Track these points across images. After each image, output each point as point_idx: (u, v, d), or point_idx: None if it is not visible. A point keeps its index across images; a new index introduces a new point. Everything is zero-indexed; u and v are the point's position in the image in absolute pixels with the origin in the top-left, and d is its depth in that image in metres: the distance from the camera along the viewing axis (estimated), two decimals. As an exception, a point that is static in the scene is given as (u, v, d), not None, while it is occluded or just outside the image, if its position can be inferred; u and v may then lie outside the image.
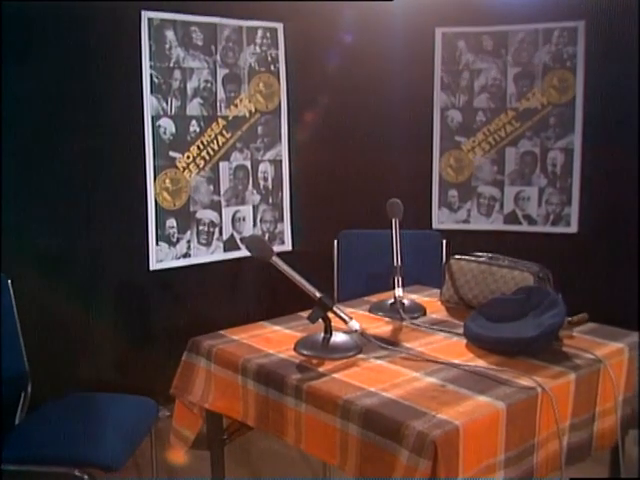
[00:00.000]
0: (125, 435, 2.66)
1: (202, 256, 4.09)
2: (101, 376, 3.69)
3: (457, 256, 2.75)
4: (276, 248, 4.25)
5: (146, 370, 3.72)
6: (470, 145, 4.46)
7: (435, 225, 4.50)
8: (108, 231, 3.73)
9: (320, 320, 2.22)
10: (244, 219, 4.22)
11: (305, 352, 2.21)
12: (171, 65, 3.85)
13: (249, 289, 4.27)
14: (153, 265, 3.91)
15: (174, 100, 3.88)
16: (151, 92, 3.80)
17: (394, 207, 2.73)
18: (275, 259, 2.21)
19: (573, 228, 4.32)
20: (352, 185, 4.42)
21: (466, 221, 4.50)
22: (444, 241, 3.54)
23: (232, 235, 4.18)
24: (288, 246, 4.38)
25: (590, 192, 4.28)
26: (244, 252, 4.10)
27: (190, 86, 3.93)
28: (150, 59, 3.78)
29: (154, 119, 3.83)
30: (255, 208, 4.27)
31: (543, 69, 4.29)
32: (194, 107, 3.97)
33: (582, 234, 4.30)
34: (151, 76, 3.78)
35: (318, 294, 2.20)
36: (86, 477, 2.45)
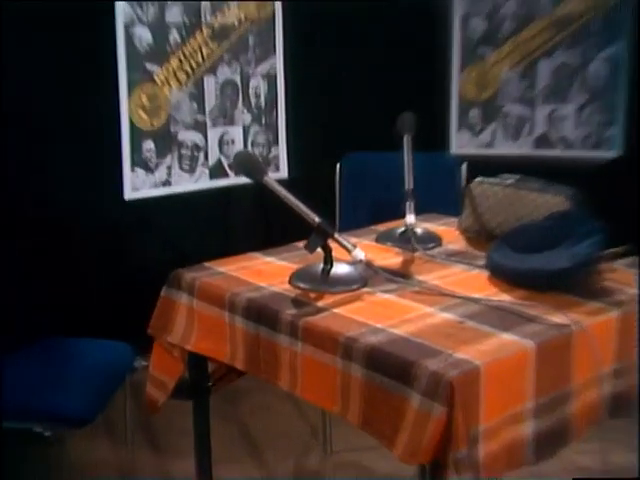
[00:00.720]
0: (96, 385, 2.67)
1: (185, 184, 4.06)
2: (73, 319, 3.68)
3: (479, 179, 2.72)
4: (270, 175, 4.20)
5: (122, 313, 3.72)
6: (495, 57, 4.41)
7: (454, 150, 4.46)
8: (75, 156, 3.71)
9: (319, 249, 2.19)
10: (233, 142, 4.19)
11: (302, 285, 2.20)
12: (147, -36, 3.80)
13: (240, 222, 4.28)
14: (128, 194, 3.88)
15: (150, 5, 3.83)
16: (123, -4, 3.75)
17: (406, 121, 2.70)
18: (268, 179, 2.21)
19: (617, 152, 4.29)
20: (357, 103, 4.39)
21: (490, 145, 4.47)
22: (464, 165, 3.51)
23: (219, 160, 4.15)
24: (284, 173, 4.35)
25: (638, 109, 4.22)
26: (233, 179, 4.10)
27: (170, -12, 3.88)
28: (121, -44, 3.72)
29: (127, 27, 3.78)
30: (246, 129, 4.23)
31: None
32: (174, 13, 3.91)
33: (627, 158, 4.26)
34: (123, -24, 3.73)
35: (317, 219, 2.18)
36: (47, 434, 2.44)
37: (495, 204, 2.62)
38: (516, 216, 2.54)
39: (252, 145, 4.25)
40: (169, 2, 3.86)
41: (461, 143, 4.49)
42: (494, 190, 2.64)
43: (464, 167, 3.52)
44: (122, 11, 3.74)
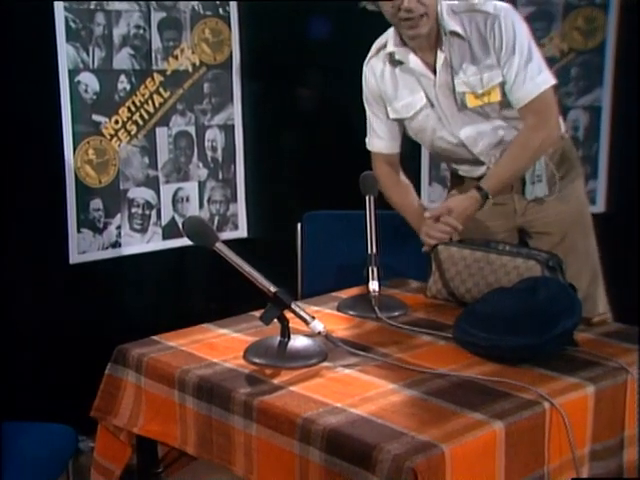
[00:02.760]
0: (33, 474, 2.63)
1: (136, 245, 4.09)
2: (6, 399, 3.66)
3: (446, 241, 2.78)
4: (228, 234, 4.27)
5: (64, 390, 3.71)
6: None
7: (426, 205, 4.47)
8: (15, 216, 3.69)
9: (276, 321, 2.24)
10: (188, 199, 4.23)
11: (257, 360, 2.23)
12: (92, 7, 3.83)
13: (195, 286, 4.27)
14: (73, 257, 3.90)
15: (97, 50, 3.87)
16: (67, 40, 3.77)
17: (368, 181, 2.75)
18: (220, 246, 2.23)
19: (599, 207, 4.33)
20: (321, 157, 4.39)
21: (464, 200, 4.49)
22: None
23: (173, 219, 4.19)
24: (243, 232, 4.40)
25: (621, 161, 4.28)
26: (188, 240, 4.10)
27: (117, 33, 3.91)
28: (64, -2, 3.77)
29: (71, 73, 3.81)
30: (201, 185, 4.27)
31: (564, 8, 4.28)
32: (123, 59, 3.96)
33: (611, 215, 4.29)
34: (66, 20, 3.76)
35: (273, 288, 2.22)
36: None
37: (464, 269, 2.68)
38: (486, 282, 2.60)
39: (208, 202, 4.28)
40: (117, 47, 3.90)
41: (432, 198, 4.50)
42: (462, 254, 2.70)
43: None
44: (66, 56, 3.77)
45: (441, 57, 2.87)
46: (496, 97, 2.86)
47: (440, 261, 2.75)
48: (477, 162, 3.00)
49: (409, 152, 4.43)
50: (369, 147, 3.24)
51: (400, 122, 3.10)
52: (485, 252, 2.65)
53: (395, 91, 3.03)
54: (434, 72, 2.90)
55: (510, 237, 3.07)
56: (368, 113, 3.20)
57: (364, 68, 3.15)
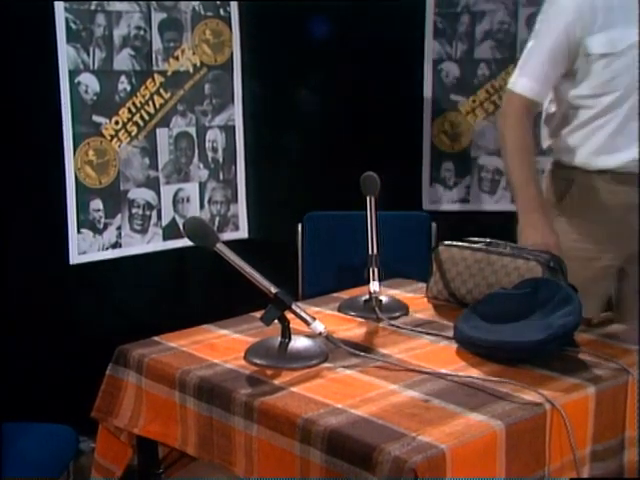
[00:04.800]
0: (33, 476, 2.63)
1: (136, 246, 4.09)
2: (6, 399, 3.66)
3: (447, 242, 2.78)
4: (229, 235, 4.27)
5: (64, 390, 3.71)
6: (470, 106, 4.48)
7: (426, 206, 4.49)
8: (15, 216, 3.70)
9: (276, 321, 2.24)
10: (188, 199, 4.23)
11: (258, 361, 2.23)
12: (92, 7, 3.84)
13: (195, 287, 4.26)
14: (74, 258, 3.90)
15: (97, 51, 3.87)
16: (67, 41, 3.77)
17: (368, 182, 2.74)
18: (220, 246, 2.22)
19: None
20: (322, 157, 4.42)
21: (464, 200, 4.52)
22: (434, 225, 3.55)
23: (173, 219, 4.19)
24: (244, 232, 4.39)
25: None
26: (189, 240, 4.09)
27: (117, 34, 3.92)
28: (64, -1, 3.77)
29: (72, 74, 3.82)
30: (202, 186, 4.27)
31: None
32: (123, 60, 3.96)
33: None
34: (67, 21, 3.76)
35: (274, 289, 2.21)
36: None
37: (464, 270, 2.67)
38: (487, 283, 2.59)
39: (209, 203, 4.29)
40: (117, 48, 3.90)
41: (433, 198, 4.52)
42: (463, 255, 2.69)
43: (434, 227, 3.55)
44: (66, 56, 3.77)
45: None
46: None
47: (441, 262, 2.75)
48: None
49: (409, 153, 4.49)
50: (512, 86, 2.94)
51: (600, 60, 2.82)
52: (486, 253, 2.64)
53: (610, 19, 2.77)
54: None
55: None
56: (534, 44, 2.91)
57: None
